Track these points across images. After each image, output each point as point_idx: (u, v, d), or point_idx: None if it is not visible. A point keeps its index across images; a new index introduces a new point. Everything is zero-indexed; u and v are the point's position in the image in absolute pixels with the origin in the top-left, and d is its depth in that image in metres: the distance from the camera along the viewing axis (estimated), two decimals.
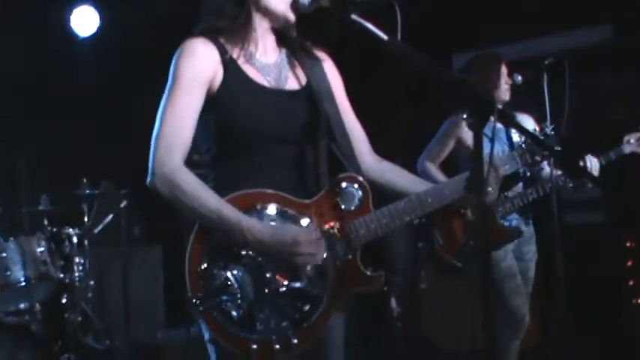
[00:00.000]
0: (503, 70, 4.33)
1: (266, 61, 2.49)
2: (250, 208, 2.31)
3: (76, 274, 5.20)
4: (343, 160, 2.55)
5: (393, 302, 6.92)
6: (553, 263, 3.68)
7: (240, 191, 2.32)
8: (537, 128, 4.30)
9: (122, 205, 5.85)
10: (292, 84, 2.50)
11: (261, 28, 2.48)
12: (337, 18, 2.24)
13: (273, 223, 2.30)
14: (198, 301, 2.26)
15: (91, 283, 5.52)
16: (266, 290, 2.28)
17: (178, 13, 2.55)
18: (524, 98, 4.30)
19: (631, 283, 5.76)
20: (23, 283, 4.79)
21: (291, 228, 2.30)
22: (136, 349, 5.75)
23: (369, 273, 2.40)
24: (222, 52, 2.40)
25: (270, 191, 2.34)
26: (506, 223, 4.25)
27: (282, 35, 2.53)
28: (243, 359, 2.29)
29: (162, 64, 2.58)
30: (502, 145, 4.21)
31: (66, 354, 4.86)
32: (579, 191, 4.40)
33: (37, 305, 5.00)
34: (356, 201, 2.40)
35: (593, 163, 4.09)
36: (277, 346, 2.30)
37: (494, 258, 4.19)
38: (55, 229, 5.19)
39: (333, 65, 2.63)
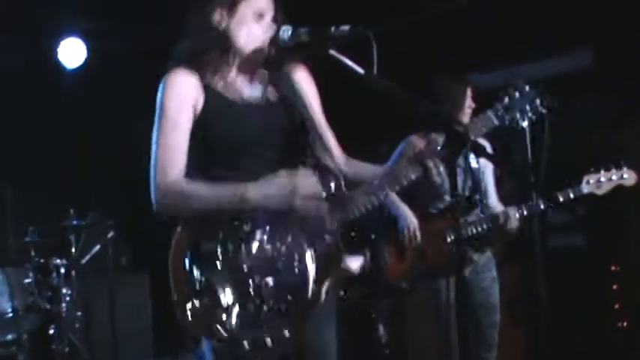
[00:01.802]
0: (469, 93, 4.33)
1: (241, 83, 2.62)
2: None
3: (64, 305, 5.21)
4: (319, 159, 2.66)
5: (381, 328, 6.94)
6: (536, 288, 3.70)
7: None
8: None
9: (109, 235, 5.86)
10: (264, 98, 2.62)
11: (241, 61, 2.60)
12: (316, 53, 2.31)
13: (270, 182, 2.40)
14: (183, 305, 2.32)
15: (79, 313, 5.52)
16: (249, 288, 2.35)
17: (165, 43, 2.63)
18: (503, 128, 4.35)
19: (617, 306, 5.77)
20: (10, 314, 4.81)
21: (282, 178, 2.40)
22: None
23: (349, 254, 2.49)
24: (202, 81, 2.54)
25: None
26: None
27: (257, 57, 2.62)
28: (235, 356, 2.35)
29: (149, 94, 2.67)
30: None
31: None
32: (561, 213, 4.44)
33: (25, 336, 5.01)
34: (329, 187, 2.48)
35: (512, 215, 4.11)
36: (269, 340, 2.36)
37: (436, 287, 4.19)
38: (42, 260, 5.21)
39: (307, 75, 2.75)
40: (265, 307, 2.36)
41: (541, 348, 4.35)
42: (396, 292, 4.31)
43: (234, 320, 2.33)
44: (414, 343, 6.73)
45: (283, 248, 2.41)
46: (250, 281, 2.36)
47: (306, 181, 2.41)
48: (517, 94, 2.56)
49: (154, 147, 2.49)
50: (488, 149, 4.31)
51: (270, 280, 2.37)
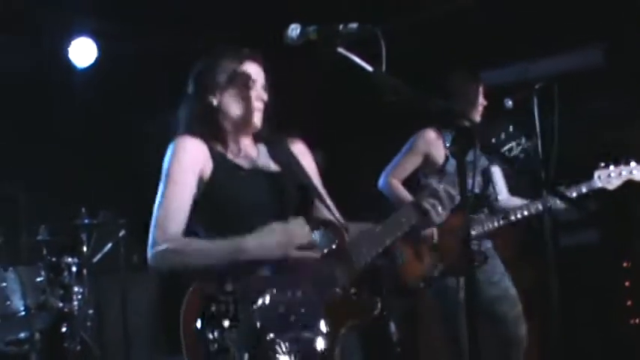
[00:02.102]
0: (480, 90, 4.33)
1: (246, 152, 2.71)
2: None
3: (76, 303, 5.22)
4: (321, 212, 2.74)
5: (393, 327, 6.93)
6: (547, 285, 3.69)
7: None
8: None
9: (121, 234, 5.89)
10: (272, 168, 2.70)
11: (236, 131, 2.70)
12: (324, 51, 2.32)
13: (267, 233, 2.45)
14: None
15: (90, 312, 5.54)
16: (264, 344, 2.37)
17: (175, 44, 2.66)
18: (514, 123, 4.33)
19: (629, 303, 5.75)
20: (23, 313, 4.83)
21: (276, 225, 2.45)
22: None
23: (361, 301, 2.52)
24: (210, 147, 2.63)
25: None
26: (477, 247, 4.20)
27: (257, 133, 2.74)
28: None
29: (159, 94, 2.70)
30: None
31: None
32: (569, 212, 4.41)
33: (37, 334, 5.02)
34: (332, 242, 2.54)
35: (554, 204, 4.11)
36: None
37: (450, 287, 4.15)
38: (54, 259, 5.22)
39: (305, 148, 2.85)
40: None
41: (553, 345, 4.34)
42: (412, 292, 4.26)
43: None
44: (425, 342, 6.73)
45: (294, 303, 2.43)
46: (264, 338, 2.37)
47: (299, 229, 2.46)
48: (503, 135, 2.58)
49: (155, 209, 2.55)
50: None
51: (283, 336, 2.39)
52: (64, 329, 5.23)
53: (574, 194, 4.11)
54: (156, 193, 2.58)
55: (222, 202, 2.57)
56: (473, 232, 4.14)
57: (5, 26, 6.21)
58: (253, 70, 2.69)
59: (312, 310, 2.44)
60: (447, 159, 4.11)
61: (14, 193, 6.41)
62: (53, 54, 6.81)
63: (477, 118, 4.29)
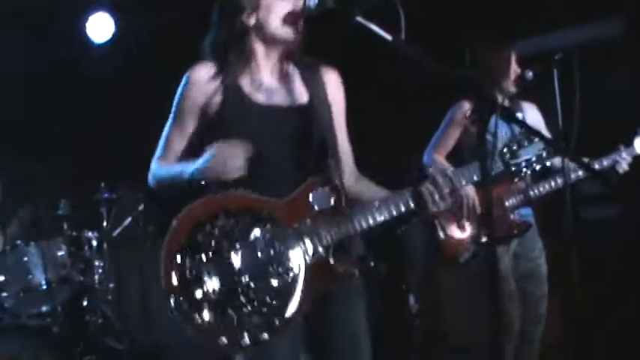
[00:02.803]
0: (512, 57, 4.23)
1: (268, 82, 2.61)
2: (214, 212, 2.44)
3: (96, 277, 5.27)
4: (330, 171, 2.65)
5: (412, 299, 6.93)
6: (568, 259, 3.66)
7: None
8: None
9: (140, 208, 5.92)
10: (291, 101, 2.61)
11: (266, 56, 2.61)
12: (342, 20, 2.29)
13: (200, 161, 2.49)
14: (171, 294, 2.38)
15: (111, 285, 5.58)
16: (237, 286, 2.37)
17: (193, 19, 2.64)
18: (535, 94, 4.28)
19: None
20: (45, 287, 4.88)
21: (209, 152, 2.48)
22: (155, 350, 5.81)
23: (340, 270, 2.47)
24: (224, 76, 2.57)
25: (230, 193, 2.46)
26: (517, 216, 4.14)
27: (290, 55, 2.64)
28: (212, 352, 2.40)
29: (177, 69, 2.68)
30: (505, 129, 4.15)
31: (88, 355, 4.93)
32: (594, 184, 4.37)
33: (59, 308, 5.07)
34: (329, 202, 2.49)
35: (621, 159, 4.10)
36: (247, 341, 2.37)
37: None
38: (74, 233, 5.27)
39: (337, 80, 2.74)
40: (249, 308, 2.37)
41: (574, 319, 4.32)
42: (457, 264, 4.22)
43: (215, 316, 2.35)
44: (445, 314, 6.73)
45: (275, 255, 2.41)
46: (238, 279, 2.38)
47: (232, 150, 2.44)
48: (526, 143, 2.54)
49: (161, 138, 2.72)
50: (535, 112, 4.28)
51: (258, 283, 2.38)
52: (85, 302, 5.28)
53: (616, 159, 4.11)
54: None
55: (228, 138, 2.51)
56: (513, 201, 4.10)
57: (22, 3, 6.22)
58: None
59: (290, 263, 2.41)
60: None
61: (34, 169, 6.46)
62: (71, 30, 6.82)
63: (510, 86, 4.21)
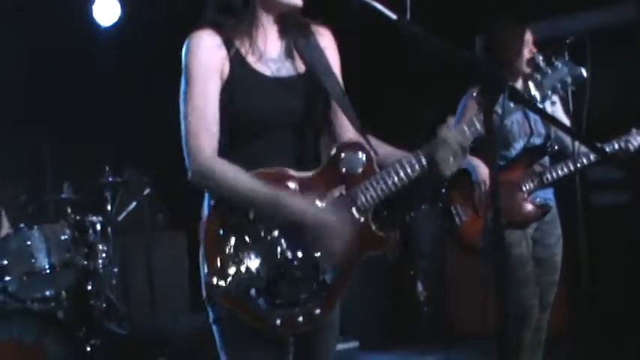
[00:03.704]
0: (528, 37, 4.13)
1: (270, 52, 2.52)
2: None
3: (100, 262, 5.23)
4: (342, 123, 2.60)
5: (420, 286, 6.91)
6: (577, 246, 3.62)
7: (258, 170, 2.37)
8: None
9: (145, 192, 5.90)
10: (294, 71, 2.53)
11: (267, 20, 2.52)
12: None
13: (302, 198, 2.35)
14: (216, 281, 2.30)
15: (115, 270, 5.56)
16: (281, 265, 2.33)
17: (199, 3, 2.57)
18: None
19: None
20: (48, 271, 4.85)
21: (330, 215, 2.34)
22: (160, 335, 5.80)
23: (380, 233, 2.42)
24: (228, 46, 2.46)
25: (254, 172, 2.37)
26: (536, 199, 4.08)
27: (284, 20, 2.56)
28: (266, 335, 2.35)
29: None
30: (519, 113, 4.07)
31: (92, 340, 4.91)
32: (604, 170, 4.31)
33: (63, 292, 5.06)
34: (360, 165, 2.42)
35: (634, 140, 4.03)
36: (300, 319, 2.35)
37: (509, 241, 4.02)
38: (78, 217, 5.22)
39: (332, 40, 2.65)
40: (297, 287, 2.34)
41: (582, 305, 4.27)
42: (475, 250, 4.17)
43: (265, 299, 2.32)
44: (453, 301, 6.70)
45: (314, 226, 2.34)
46: (282, 258, 2.34)
47: (343, 221, 2.34)
48: (549, 71, 2.48)
49: (184, 112, 2.42)
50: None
51: (300, 258, 2.34)
52: (89, 287, 5.25)
53: (628, 140, 4.03)
54: (182, 153, 2.47)
55: (238, 112, 2.43)
56: (530, 186, 4.04)
57: None
58: None
59: (331, 235, 2.34)
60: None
61: (39, 152, 6.45)
62: (77, 12, 6.79)
63: (524, 66, 4.11)
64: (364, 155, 2.44)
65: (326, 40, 2.63)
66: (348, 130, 2.59)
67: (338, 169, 2.43)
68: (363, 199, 2.40)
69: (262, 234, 2.34)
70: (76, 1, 6.79)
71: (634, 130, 4.07)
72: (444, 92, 4.35)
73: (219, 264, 2.31)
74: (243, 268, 2.31)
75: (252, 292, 2.31)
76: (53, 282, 4.96)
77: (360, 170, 2.43)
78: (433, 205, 4.26)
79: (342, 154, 2.44)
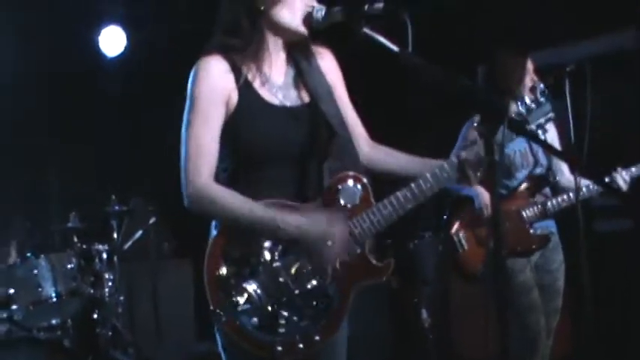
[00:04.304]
0: (529, 66, 4.19)
1: (276, 79, 2.56)
2: None
3: (106, 290, 5.26)
4: (343, 154, 2.60)
5: (424, 313, 6.90)
6: (580, 272, 3.64)
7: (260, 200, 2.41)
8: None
9: (151, 221, 5.92)
10: (299, 100, 2.57)
11: (274, 45, 2.55)
12: (350, 32, 2.28)
13: (306, 218, 2.39)
14: (220, 312, 2.35)
15: (121, 298, 5.57)
16: (283, 294, 2.38)
17: (204, 33, 2.60)
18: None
19: None
20: (54, 300, 4.87)
21: (323, 218, 2.39)
22: None
23: (377, 264, 2.47)
24: (236, 73, 2.48)
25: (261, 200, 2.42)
26: (537, 229, 4.12)
27: (290, 46, 2.59)
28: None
29: (188, 83, 2.65)
30: (523, 143, 4.14)
31: None
32: (606, 198, 4.33)
33: (69, 321, 5.07)
34: (357, 197, 2.47)
35: (620, 178, 4.05)
36: (301, 345, 2.40)
37: (512, 268, 4.06)
38: (84, 246, 5.25)
39: (333, 61, 2.69)
40: (298, 314, 2.40)
41: (586, 332, 4.28)
42: (477, 278, 4.19)
43: (267, 326, 2.38)
44: (458, 328, 6.69)
45: (312, 262, 2.41)
46: (284, 287, 2.38)
47: (343, 232, 2.40)
48: (534, 106, 2.52)
49: (184, 138, 2.45)
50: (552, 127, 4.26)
51: (301, 287, 2.40)
52: (95, 316, 5.27)
53: (636, 173, 4.06)
54: None
55: (244, 141, 2.46)
56: (531, 215, 4.07)
57: (35, 16, 6.26)
58: None
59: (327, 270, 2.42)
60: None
61: (45, 181, 6.49)
62: (83, 43, 6.86)
63: (525, 95, 4.15)
64: (360, 186, 2.48)
65: (327, 61, 2.66)
66: (358, 136, 2.66)
67: (336, 201, 2.48)
68: (360, 229, 2.45)
69: (264, 264, 2.38)
70: (83, 31, 6.86)
71: (619, 169, 4.08)
72: (446, 122, 4.39)
73: (222, 293, 2.37)
74: (244, 298, 2.35)
75: (254, 320, 2.36)
76: (59, 311, 4.98)
77: (357, 202, 2.47)
78: (436, 233, 4.30)
79: (339, 187, 2.48)
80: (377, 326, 6.51)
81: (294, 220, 2.37)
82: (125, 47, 6.95)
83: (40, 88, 6.47)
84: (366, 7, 2.27)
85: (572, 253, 4.20)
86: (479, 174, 2.49)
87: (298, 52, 2.60)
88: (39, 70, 6.42)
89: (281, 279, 2.37)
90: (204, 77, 2.45)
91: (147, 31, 6.99)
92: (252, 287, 2.36)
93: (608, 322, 4.97)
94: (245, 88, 2.48)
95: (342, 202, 2.47)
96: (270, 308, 2.37)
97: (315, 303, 2.41)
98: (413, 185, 2.47)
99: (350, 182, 2.48)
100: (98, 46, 6.90)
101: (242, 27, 2.49)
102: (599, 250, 4.16)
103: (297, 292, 2.38)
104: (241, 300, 2.34)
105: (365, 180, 2.49)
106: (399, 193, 2.47)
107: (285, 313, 2.37)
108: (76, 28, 6.69)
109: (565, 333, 4.81)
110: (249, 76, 2.49)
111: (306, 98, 2.57)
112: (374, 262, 2.47)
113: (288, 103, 2.54)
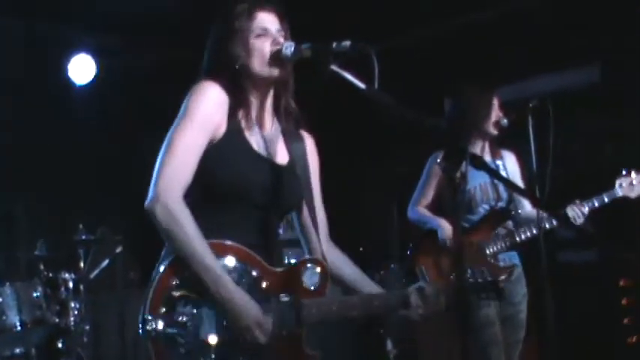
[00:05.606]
0: (495, 102, 4.26)
1: (261, 129, 2.61)
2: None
3: (72, 319, 5.22)
4: (301, 236, 2.77)
5: (389, 344, 6.92)
6: (543, 303, 3.68)
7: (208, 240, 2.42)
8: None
9: (118, 250, 5.89)
10: (280, 158, 2.63)
11: (257, 93, 2.60)
12: (318, 69, 2.33)
13: (246, 297, 2.40)
14: (152, 323, 2.35)
15: (87, 327, 5.52)
16: (216, 338, 2.38)
17: (174, 61, 2.63)
18: (510, 141, 4.33)
19: (625, 321, 5.72)
20: (19, 328, 4.82)
21: (256, 311, 2.39)
22: None
23: (307, 352, 2.52)
24: (230, 108, 2.52)
25: (230, 243, 2.46)
26: (500, 262, 4.14)
27: (277, 103, 2.66)
28: None
29: (158, 110, 2.67)
30: (483, 177, 4.20)
31: None
32: (568, 231, 4.39)
33: (33, 350, 5.01)
34: (316, 282, 2.55)
35: (576, 212, 4.10)
36: None
37: (475, 301, 4.10)
38: (51, 274, 5.22)
39: (313, 145, 2.79)
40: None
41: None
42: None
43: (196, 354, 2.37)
44: (424, 358, 6.70)
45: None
46: (219, 333, 2.40)
47: (267, 327, 2.42)
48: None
49: (165, 148, 2.44)
50: (513, 161, 4.32)
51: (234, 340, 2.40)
52: (60, 345, 5.22)
53: (596, 204, 4.11)
54: None
55: (219, 178, 2.48)
56: (494, 248, 4.12)
57: (6, 43, 6.25)
58: (267, 19, 2.56)
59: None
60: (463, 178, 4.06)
61: (12, 209, 6.43)
62: (52, 71, 6.85)
63: (492, 129, 4.26)
64: (322, 275, 2.56)
65: (309, 144, 2.76)
66: (320, 231, 2.72)
67: (298, 279, 2.54)
68: (306, 313, 2.49)
69: (209, 300, 2.38)
70: (51, 61, 6.84)
71: (577, 202, 4.15)
72: (417, 149, 4.46)
73: (162, 309, 2.36)
74: (181, 320, 2.35)
75: (181, 350, 2.35)
76: (23, 340, 4.93)
77: (312, 288, 2.54)
78: (401, 265, 4.34)
79: (304, 266, 2.55)
80: (342, 358, 6.51)
81: (233, 291, 2.37)
82: (95, 75, 6.94)
83: (8, 117, 6.44)
84: (334, 44, 2.33)
85: (538, 284, 4.25)
86: (421, 311, 2.71)
87: (285, 113, 2.67)
88: (8, 99, 6.38)
89: (223, 323, 2.39)
90: (202, 100, 2.47)
91: (116, 59, 7.00)
92: (191, 316, 2.36)
93: (574, 348, 5.03)
94: (233, 124, 2.52)
95: (303, 281, 2.54)
96: (198, 344, 2.36)
97: (241, 358, 2.42)
98: (365, 297, 2.68)
99: (315, 267, 2.56)
100: (67, 74, 6.88)
101: (226, 74, 2.54)
102: (563, 281, 4.21)
103: (228, 342, 2.40)
104: (177, 323, 2.35)
105: (328, 271, 2.58)
106: (350, 298, 2.66)
107: (211, 357, 2.37)
108: (45, 56, 6.68)
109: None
110: (239, 115, 2.54)
111: (285, 159, 2.64)
112: (305, 349, 2.51)
113: (268, 154, 2.59)
